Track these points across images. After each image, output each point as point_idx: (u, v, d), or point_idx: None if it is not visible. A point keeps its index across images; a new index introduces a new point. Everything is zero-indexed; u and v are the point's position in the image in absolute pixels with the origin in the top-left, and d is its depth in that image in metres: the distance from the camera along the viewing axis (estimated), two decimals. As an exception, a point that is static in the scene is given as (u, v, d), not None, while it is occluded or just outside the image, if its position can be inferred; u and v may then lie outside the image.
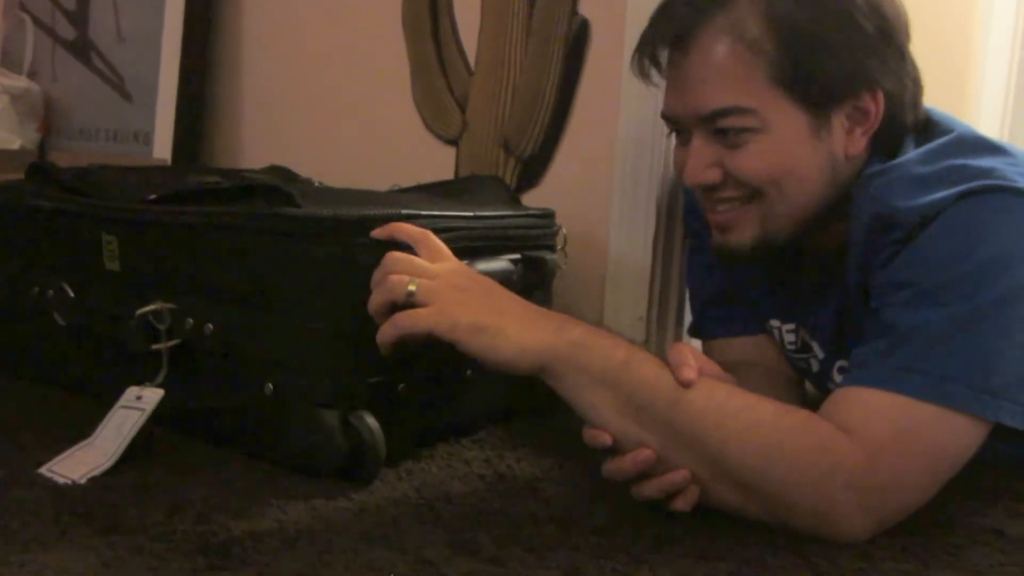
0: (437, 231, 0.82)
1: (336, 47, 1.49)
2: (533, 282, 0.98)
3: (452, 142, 1.36)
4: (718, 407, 0.69)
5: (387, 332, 0.74)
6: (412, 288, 0.73)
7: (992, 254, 0.69)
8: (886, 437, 0.68)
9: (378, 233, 0.79)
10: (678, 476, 0.70)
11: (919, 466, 0.69)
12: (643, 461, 0.70)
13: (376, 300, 0.75)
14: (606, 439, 0.71)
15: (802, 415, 0.70)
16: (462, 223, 0.89)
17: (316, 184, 1.20)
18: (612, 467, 0.72)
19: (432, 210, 0.88)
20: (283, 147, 1.53)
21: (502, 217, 0.96)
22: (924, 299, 0.70)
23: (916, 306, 0.70)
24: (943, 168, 0.75)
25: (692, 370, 0.70)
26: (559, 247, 1.04)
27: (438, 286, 0.74)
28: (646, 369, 0.71)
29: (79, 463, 0.77)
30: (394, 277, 0.74)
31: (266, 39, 1.58)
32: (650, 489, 0.71)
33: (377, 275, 0.76)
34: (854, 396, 0.70)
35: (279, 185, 0.85)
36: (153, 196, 0.92)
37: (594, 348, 0.72)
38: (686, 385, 0.70)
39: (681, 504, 0.71)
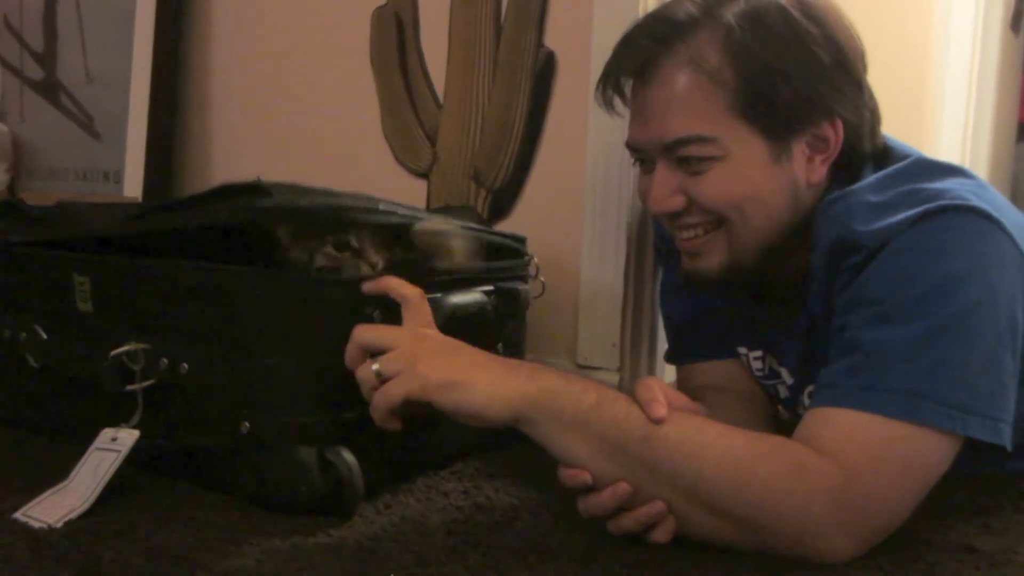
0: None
1: (305, 83, 1.50)
2: (507, 313, 0.99)
3: (423, 175, 1.37)
4: (690, 439, 0.70)
5: (375, 416, 0.76)
6: (376, 368, 0.75)
7: (949, 271, 0.71)
8: (860, 456, 0.69)
9: (369, 287, 0.80)
10: (655, 508, 0.71)
11: (895, 483, 0.70)
12: (621, 494, 0.71)
13: (362, 389, 0.77)
14: (586, 478, 0.72)
15: (775, 440, 0.71)
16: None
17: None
18: (590, 503, 0.73)
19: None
20: (254, 183, 1.53)
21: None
22: (885, 318, 0.72)
23: (878, 325, 0.72)
24: (899, 192, 0.77)
25: (661, 406, 0.71)
26: (533, 275, 1.06)
27: (402, 353, 0.75)
28: (617, 408, 0.72)
29: (55, 507, 0.77)
30: (360, 372, 0.76)
31: (235, 75, 1.58)
32: (628, 522, 0.72)
33: (347, 354, 0.78)
34: (825, 417, 0.72)
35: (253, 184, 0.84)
36: (132, 215, 0.92)
37: (565, 393, 0.73)
38: (656, 422, 0.71)
39: (659, 535, 0.72)
